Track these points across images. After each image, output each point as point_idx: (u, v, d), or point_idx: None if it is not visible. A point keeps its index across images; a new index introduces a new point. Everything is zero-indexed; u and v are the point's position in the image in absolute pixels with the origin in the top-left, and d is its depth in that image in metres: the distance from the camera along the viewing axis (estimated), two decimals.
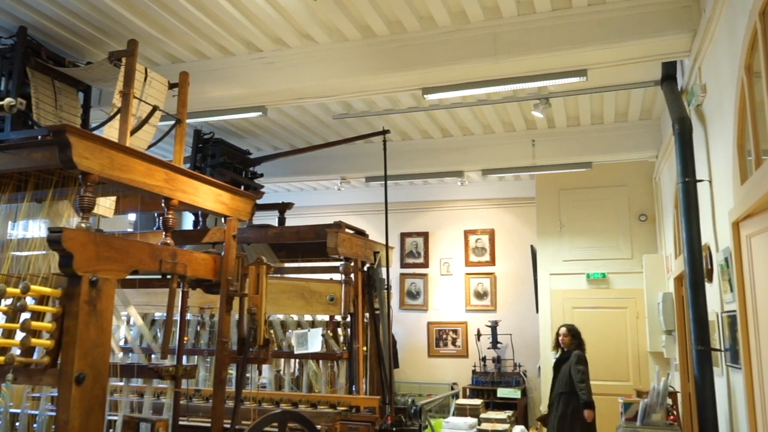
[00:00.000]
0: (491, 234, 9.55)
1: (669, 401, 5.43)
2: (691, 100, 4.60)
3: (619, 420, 5.57)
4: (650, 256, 7.60)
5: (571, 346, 6.53)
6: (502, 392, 8.26)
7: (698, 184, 4.33)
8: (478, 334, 8.97)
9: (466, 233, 9.66)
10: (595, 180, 8.17)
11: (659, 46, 4.65)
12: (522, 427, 6.50)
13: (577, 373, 6.32)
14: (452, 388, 8.81)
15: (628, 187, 8.20)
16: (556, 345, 6.73)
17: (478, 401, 6.59)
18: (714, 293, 4.19)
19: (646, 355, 7.70)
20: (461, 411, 6.29)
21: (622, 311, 7.97)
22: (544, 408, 8.05)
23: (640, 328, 7.79)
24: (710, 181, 4.27)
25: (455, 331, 9.43)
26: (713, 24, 3.88)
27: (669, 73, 5.37)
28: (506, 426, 5.84)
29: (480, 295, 9.42)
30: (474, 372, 8.81)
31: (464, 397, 8.26)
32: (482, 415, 6.13)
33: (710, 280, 4.27)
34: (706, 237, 4.28)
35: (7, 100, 2.19)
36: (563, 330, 6.66)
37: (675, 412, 5.62)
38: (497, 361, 8.77)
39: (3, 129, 4.46)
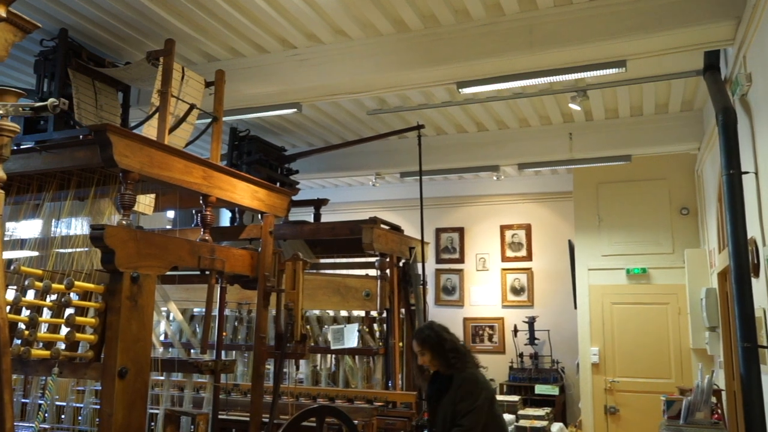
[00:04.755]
0: (528, 229, 9.44)
1: (713, 399, 5.30)
2: (736, 89, 4.46)
3: (661, 418, 5.46)
4: (692, 251, 7.42)
5: (439, 366, 3.82)
6: (540, 389, 8.17)
7: (743, 176, 4.21)
8: (515, 330, 8.88)
9: (502, 228, 9.56)
10: (635, 173, 8.00)
11: (701, 35, 4.51)
12: (561, 424, 6.42)
13: (464, 405, 3.65)
14: None
15: (669, 180, 8.01)
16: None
17: (515, 398, 6.52)
18: (761, 288, 4.06)
19: (688, 352, 7.53)
20: (499, 407, 6.23)
21: (664, 307, 7.80)
22: (581, 404, 7.95)
23: (682, 324, 7.62)
24: (756, 173, 4.14)
25: (492, 327, 9.36)
26: (759, 11, 3.75)
27: (712, 62, 5.22)
28: (545, 423, 5.77)
29: (517, 291, 9.33)
30: (511, 368, 8.73)
31: (501, 393, 8.19)
32: (520, 412, 6.08)
33: (756, 275, 4.14)
34: (752, 230, 4.16)
35: (51, 100, 2.23)
36: (414, 344, 3.92)
37: (720, 411, 5.48)
38: (535, 357, 8.67)
39: (46, 129, 4.58)
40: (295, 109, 5.92)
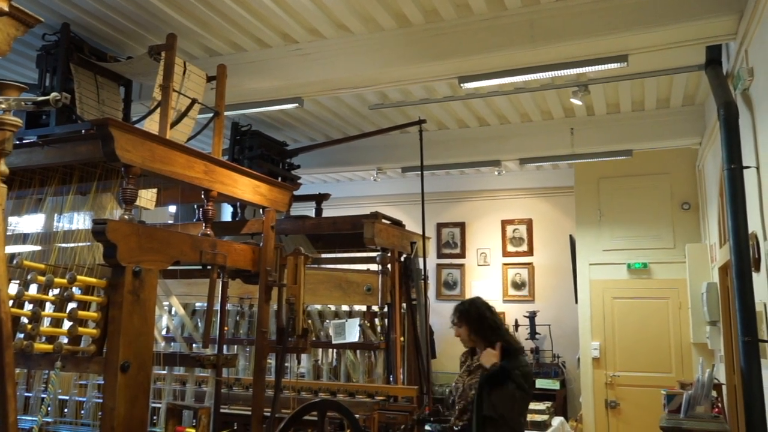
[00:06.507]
0: (529, 224, 9.44)
1: (714, 393, 5.31)
2: (737, 84, 4.46)
3: (662, 412, 5.48)
4: (693, 246, 7.42)
5: (473, 342, 3.84)
6: (541, 383, 8.18)
7: (745, 170, 4.20)
8: (516, 325, 8.89)
9: (504, 223, 9.57)
10: (636, 168, 7.99)
11: (703, 30, 4.51)
12: (561, 418, 6.43)
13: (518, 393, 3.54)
14: None
15: (670, 174, 8.00)
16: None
17: None
18: (761, 283, 4.07)
19: (689, 347, 7.54)
20: None
21: (664, 302, 7.80)
22: (582, 398, 7.96)
23: (682, 318, 7.63)
24: (757, 168, 4.14)
25: None
26: (761, 5, 3.74)
27: (713, 57, 5.21)
28: (545, 417, 5.78)
29: (518, 286, 9.34)
30: None
31: None
32: None
33: (757, 269, 4.15)
34: (753, 225, 4.16)
35: (53, 94, 2.24)
36: (452, 316, 3.93)
37: (720, 405, 5.50)
38: (535, 351, 8.69)
39: (48, 124, 4.59)
40: (296, 104, 5.92)
